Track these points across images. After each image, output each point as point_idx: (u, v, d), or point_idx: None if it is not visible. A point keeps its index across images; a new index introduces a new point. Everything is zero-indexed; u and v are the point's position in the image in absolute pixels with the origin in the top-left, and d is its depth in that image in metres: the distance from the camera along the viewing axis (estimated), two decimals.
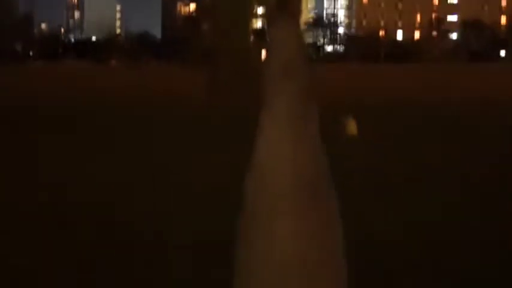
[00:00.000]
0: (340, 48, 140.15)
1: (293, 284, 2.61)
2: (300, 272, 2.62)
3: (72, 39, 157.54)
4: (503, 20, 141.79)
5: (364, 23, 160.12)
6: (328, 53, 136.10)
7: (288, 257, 2.63)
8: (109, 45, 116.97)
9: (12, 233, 4.82)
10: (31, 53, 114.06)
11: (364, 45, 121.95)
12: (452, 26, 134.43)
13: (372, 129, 11.22)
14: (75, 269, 3.98)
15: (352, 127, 10.78)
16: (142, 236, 4.70)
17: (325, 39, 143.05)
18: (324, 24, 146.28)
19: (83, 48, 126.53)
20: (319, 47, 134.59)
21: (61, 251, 4.36)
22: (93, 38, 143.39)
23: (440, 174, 7.22)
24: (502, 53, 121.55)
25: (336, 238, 2.75)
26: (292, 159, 2.69)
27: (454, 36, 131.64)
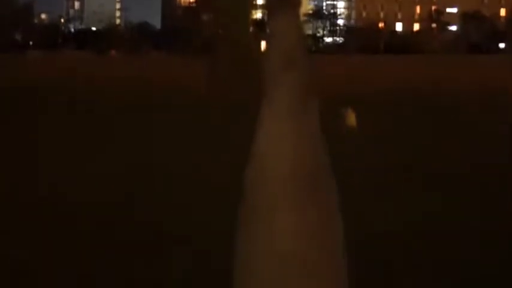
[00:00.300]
0: (339, 39, 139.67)
1: (293, 282, 2.61)
2: (300, 271, 2.62)
3: (72, 30, 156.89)
4: (503, 12, 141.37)
5: (363, 14, 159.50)
6: (328, 44, 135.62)
7: (287, 255, 2.63)
8: (109, 35, 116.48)
9: (12, 233, 4.82)
10: (31, 43, 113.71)
11: (363, 36, 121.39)
12: (451, 18, 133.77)
13: (372, 125, 11.18)
14: (75, 269, 3.98)
15: (351, 119, 10.75)
16: (142, 235, 4.69)
17: (325, 31, 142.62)
18: (323, 15, 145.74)
19: (83, 38, 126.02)
20: (318, 38, 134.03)
21: (61, 251, 4.36)
22: (93, 28, 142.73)
23: (441, 173, 7.20)
24: (502, 45, 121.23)
25: (336, 237, 2.74)
26: (292, 152, 2.68)
27: (453, 28, 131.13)
